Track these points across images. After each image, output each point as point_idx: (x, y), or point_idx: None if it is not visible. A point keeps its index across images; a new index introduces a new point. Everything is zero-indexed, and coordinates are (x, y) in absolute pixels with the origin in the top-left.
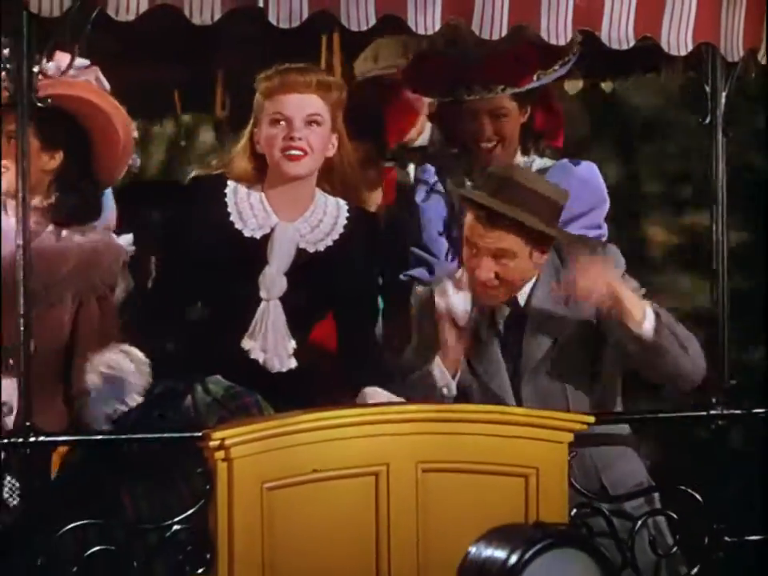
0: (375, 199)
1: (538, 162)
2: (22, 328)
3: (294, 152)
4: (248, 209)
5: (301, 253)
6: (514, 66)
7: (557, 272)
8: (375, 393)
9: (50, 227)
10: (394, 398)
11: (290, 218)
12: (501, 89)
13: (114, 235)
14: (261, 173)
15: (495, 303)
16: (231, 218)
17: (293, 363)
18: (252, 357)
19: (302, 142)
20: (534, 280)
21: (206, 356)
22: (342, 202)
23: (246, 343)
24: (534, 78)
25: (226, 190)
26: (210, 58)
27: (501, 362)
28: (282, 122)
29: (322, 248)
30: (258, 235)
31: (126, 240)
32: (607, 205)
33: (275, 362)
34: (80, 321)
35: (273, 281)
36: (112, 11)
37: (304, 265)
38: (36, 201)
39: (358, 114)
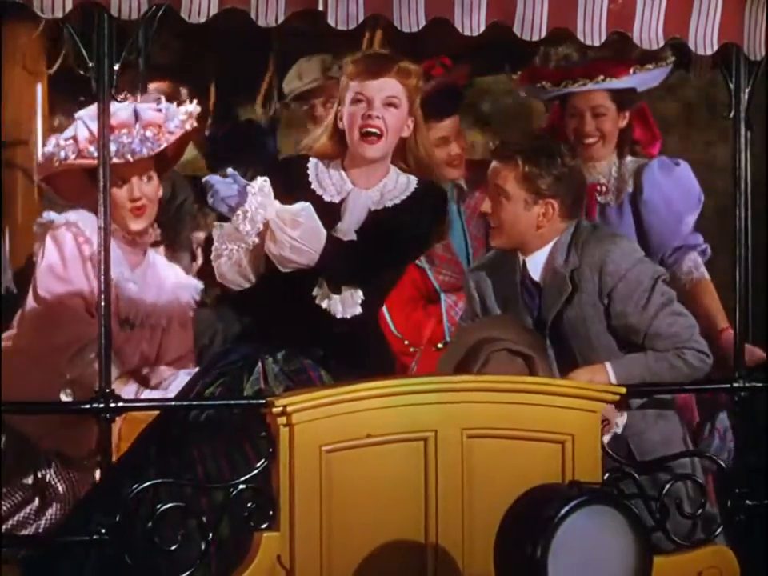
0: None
1: (631, 161)
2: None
3: (370, 129)
4: (327, 178)
5: (370, 215)
6: (612, 62)
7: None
8: None
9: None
10: None
11: (365, 187)
12: (601, 78)
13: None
14: (341, 147)
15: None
16: (312, 186)
17: (357, 311)
18: (318, 302)
19: (379, 121)
20: (545, 250)
21: (284, 310)
22: (413, 178)
23: (316, 291)
24: (631, 71)
25: (309, 164)
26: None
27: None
28: (363, 102)
29: (389, 205)
30: (336, 200)
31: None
32: (702, 202)
33: (341, 309)
34: None
35: (344, 235)
36: (185, 14)
37: (372, 223)
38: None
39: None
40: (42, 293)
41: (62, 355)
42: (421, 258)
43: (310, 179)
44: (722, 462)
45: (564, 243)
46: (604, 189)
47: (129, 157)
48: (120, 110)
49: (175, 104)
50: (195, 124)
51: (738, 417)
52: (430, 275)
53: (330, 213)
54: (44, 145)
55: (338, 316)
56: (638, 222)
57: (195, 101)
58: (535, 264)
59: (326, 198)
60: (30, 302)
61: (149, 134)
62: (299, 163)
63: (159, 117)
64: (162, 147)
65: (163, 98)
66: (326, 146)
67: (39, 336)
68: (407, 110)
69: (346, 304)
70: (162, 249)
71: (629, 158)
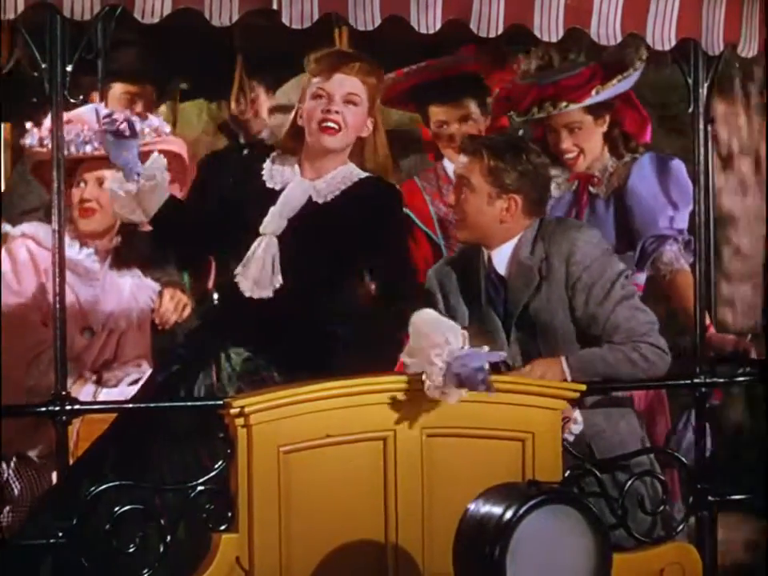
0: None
1: (629, 156)
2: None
3: (329, 124)
4: (279, 168)
5: (311, 204)
6: (576, 81)
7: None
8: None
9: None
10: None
11: (312, 179)
12: (563, 105)
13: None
14: (299, 144)
15: (457, 237)
16: (262, 173)
17: (268, 293)
18: (236, 282)
19: (338, 116)
20: (510, 244)
21: (222, 305)
22: (366, 174)
23: (237, 270)
24: (593, 92)
25: (271, 154)
26: None
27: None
28: (324, 98)
29: (330, 198)
30: (278, 187)
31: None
32: (692, 203)
33: (250, 288)
34: None
35: (272, 218)
36: (138, 14)
37: (309, 213)
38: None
39: None
40: None
41: (20, 364)
42: (437, 234)
43: (263, 165)
44: (682, 458)
45: (529, 237)
46: (596, 180)
47: (74, 150)
48: (84, 111)
49: (138, 117)
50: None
51: (699, 412)
52: (443, 251)
53: (267, 198)
54: (22, 137)
55: (246, 294)
56: (622, 209)
57: (161, 117)
58: (500, 258)
59: (268, 185)
60: None
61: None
62: (261, 151)
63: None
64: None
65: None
66: (285, 141)
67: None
68: (367, 109)
69: (258, 284)
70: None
71: (628, 156)
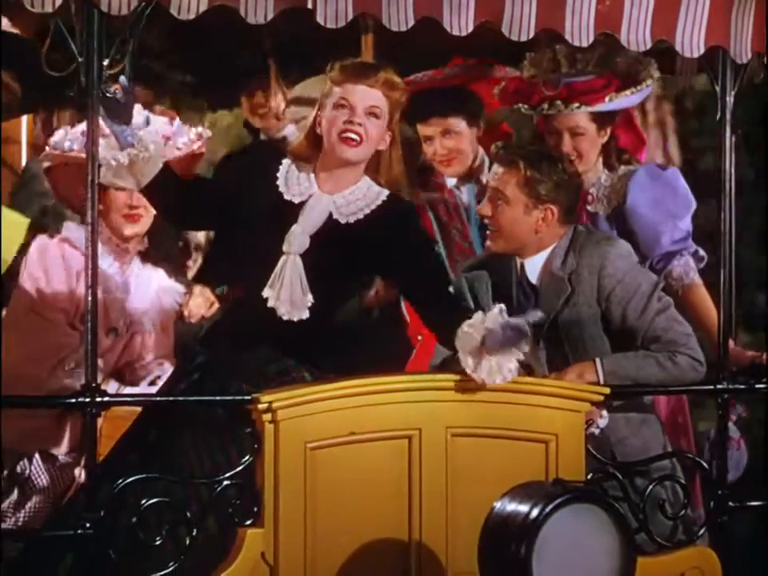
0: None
1: (623, 169)
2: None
3: (351, 135)
4: (294, 178)
5: (332, 222)
6: (590, 85)
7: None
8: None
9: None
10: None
11: (330, 192)
12: (576, 106)
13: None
14: (316, 151)
15: (492, 248)
16: (277, 182)
17: (305, 314)
18: (268, 305)
19: (361, 128)
20: (544, 254)
21: (240, 304)
22: (385, 191)
23: (266, 292)
24: (606, 99)
25: (283, 161)
26: None
27: None
28: (346, 108)
29: (352, 220)
30: (296, 200)
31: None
32: (694, 207)
33: (288, 311)
34: None
35: (296, 238)
36: (174, 10)
37: (332, 232)
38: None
39: None
40: (23, 303)
41: (42, 367)
42: (439, 244)
43: (278, 174)
44: (704, 463)
45: (562, 247)
46: (591, 198)
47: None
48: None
49: (188, 125)
50: (203, 149)
51: (721, 419)
52: (445, 262)
53: (286, 211)
54: (49, 136)
55: (284, 318)
56: (624, 229)
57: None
58: (533, 267)
59: (286, 197)
60: (11, 312)
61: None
62: (274, 154)
63: (169, 130)
64: (166, 159)
65: (177, 119)
66: (301, 147)
67: (19, 347)
68: (387, 123)
69: (293, 306)
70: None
71: (621, 168)
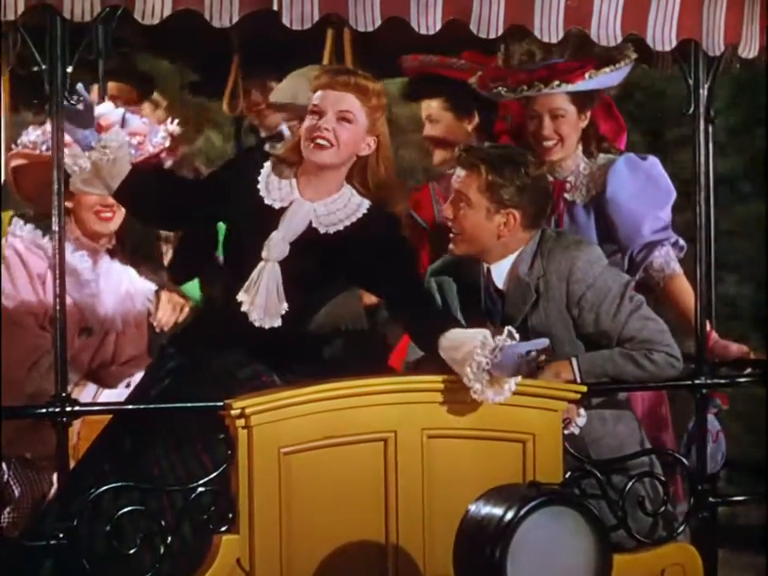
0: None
1: (602, 158)
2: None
3: (319, 141)
4: (275, 182)
5: (311, 231)
6: (568, 65)
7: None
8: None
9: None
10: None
11: (311, 199)
12: (556, 84)
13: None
14: (299, 157)
15: (455, 251)
16: (258, 186)
17: (277, 322)
18: (242, 309)
19: (329, 133)
20: (510, 259)
21: (212, 307)
22: (366, 202)
23: (241, 296)
24: (587, 76)
25: (266, 164)
26: None
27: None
28: (317, 113)
29: (331, 231)
30: (276, 205)
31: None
32: (674, 196)
33: (261, 317)
34: None
35: (275, 244)
36: (138, 15)
37: (311, 241)
38: None
39: None
40: None
41: (20, 369)
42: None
43: (258, 178)
44: (683, 459)
45: (529, 252)
46: (569, 186)
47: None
48: (110, 113)
49: (155, 121)
50: (168, 144)
51: (700, 414)
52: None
53: (266, 216)
54: (18, 135)
55: (256, 324)
56: (603, 219)
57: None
58: (499, 272)
59: (266, 201)
60: None
61: (134, 141)
62: (258, 159)
63: (144, 128)
64: (142, 158)
65: (148, 113)
66: (287, 152)
67: None
68: (365, 128)
69: (267, 313)
70: (117, 254)
71: (600, 156)
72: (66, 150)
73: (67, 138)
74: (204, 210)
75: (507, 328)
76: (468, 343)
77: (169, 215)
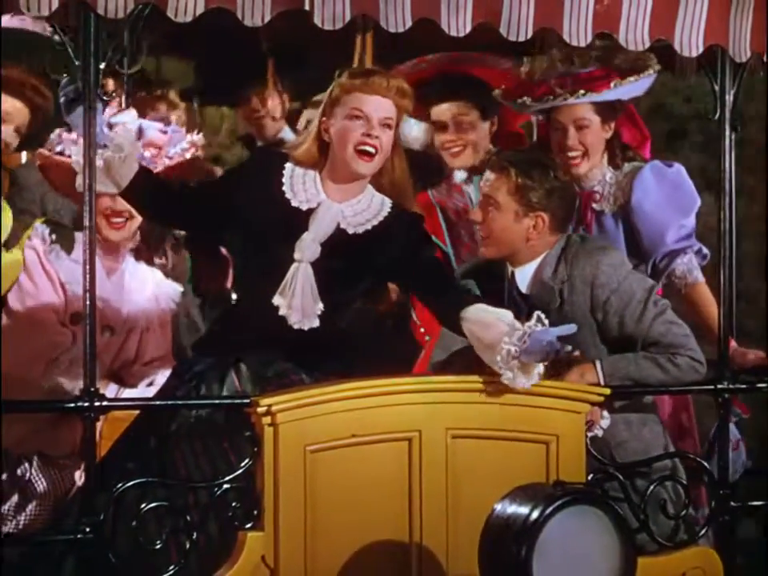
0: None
1: (628, 166)
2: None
3: (368, 148)
4: (300, 184)
5: (340, 231)
6: (593, 75)
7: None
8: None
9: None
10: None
11: (337, 201)
12: (582, 93)
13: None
14: (322, 157)
15: (484, 254)
16: (284, 188)
17: (315, 323)
18: (280, 313)
19: (377, 140)
20: (534, 263)
21: (244, 313)
22: (388, 200)
23: (276, 299)
24: (612, 85)
25: (286, 165)
26: None
27: None
28: (361, 120)
29: (360, 231)
30: (303, 207)
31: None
32: (698, 203)
33: (299, 319)
34: None
35: (308, 246)
36: (171, 13)
37: (341, 242)
38: None
39: None
40: (12, 306)
41: (37, 366)
42: (446, 243)
43: (283, 180)
44: (705, 463)
45: (554, 256)
46: (598, 196)
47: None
48: (127, 123)
49: (183, 130)
50: (198, 153)
51: (722, 418)
52: (452, 261)
53: (294, 218)
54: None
55: (295, 327)
56: (629, 227)
57: (200, 132)
58: (523, 276)
59: (293, 203)
60: (3, 315)
61: (147, 154)
62: (277, 160)
63: (162, 139)
64: (156, 170)
65: (174, 121)
66: (308, 154)
67: (13, 349)
68: (395, 132)
69: (304, 314)
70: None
71: (626, 165)
72: (74, 149)
73: (75, 135)
74: (218, 210)
75: (536, 313)
76: (496, 325)
77: (179, 215)
